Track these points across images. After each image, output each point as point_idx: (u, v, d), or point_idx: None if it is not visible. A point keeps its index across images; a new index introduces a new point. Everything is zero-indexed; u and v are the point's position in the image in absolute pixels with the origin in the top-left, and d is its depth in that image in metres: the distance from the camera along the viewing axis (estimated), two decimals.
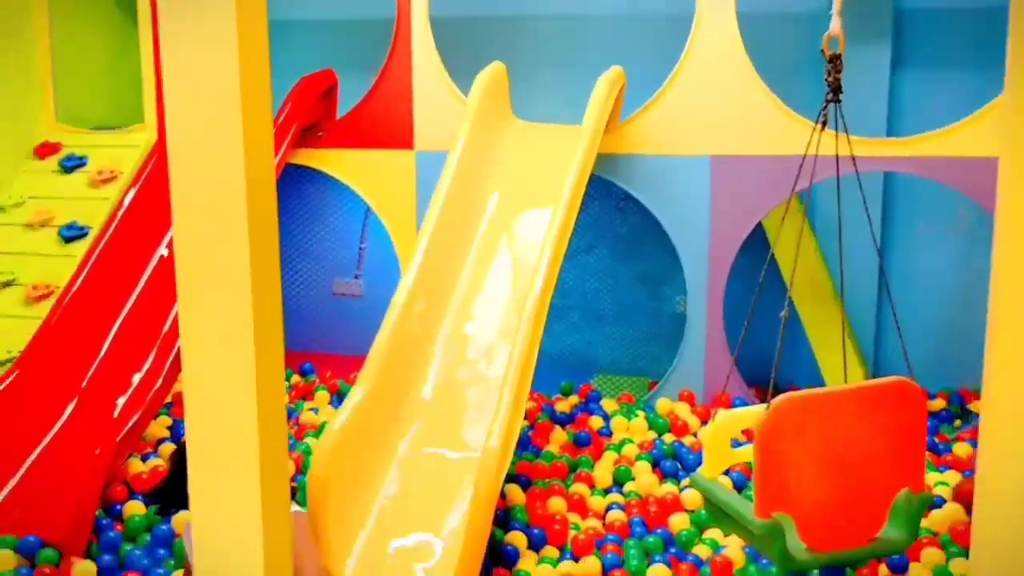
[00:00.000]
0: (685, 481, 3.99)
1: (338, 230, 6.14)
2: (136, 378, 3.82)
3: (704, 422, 4.54)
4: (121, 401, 3.75)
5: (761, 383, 5.34)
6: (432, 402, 3.78)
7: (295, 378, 5.25)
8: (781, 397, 2.86)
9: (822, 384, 5.19)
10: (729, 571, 3.35)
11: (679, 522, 3.67)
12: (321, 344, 6.08)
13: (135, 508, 3.63)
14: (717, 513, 3.13)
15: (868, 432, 2.94)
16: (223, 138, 1.69)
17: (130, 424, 3.71)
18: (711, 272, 4.85)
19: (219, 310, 1.78)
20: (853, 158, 3.18)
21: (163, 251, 4.50)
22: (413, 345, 3.92)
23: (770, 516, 2.86)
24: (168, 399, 4.75)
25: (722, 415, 3.19)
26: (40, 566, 3.31)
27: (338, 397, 4.95)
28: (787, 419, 2.85)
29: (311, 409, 4.74)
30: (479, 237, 4.36)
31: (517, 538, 3.43)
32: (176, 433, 4.31)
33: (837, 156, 3.14)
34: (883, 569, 3.36)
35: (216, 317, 1.79)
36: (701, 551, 3.53)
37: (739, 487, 3.92)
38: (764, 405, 3.27)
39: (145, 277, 4.38)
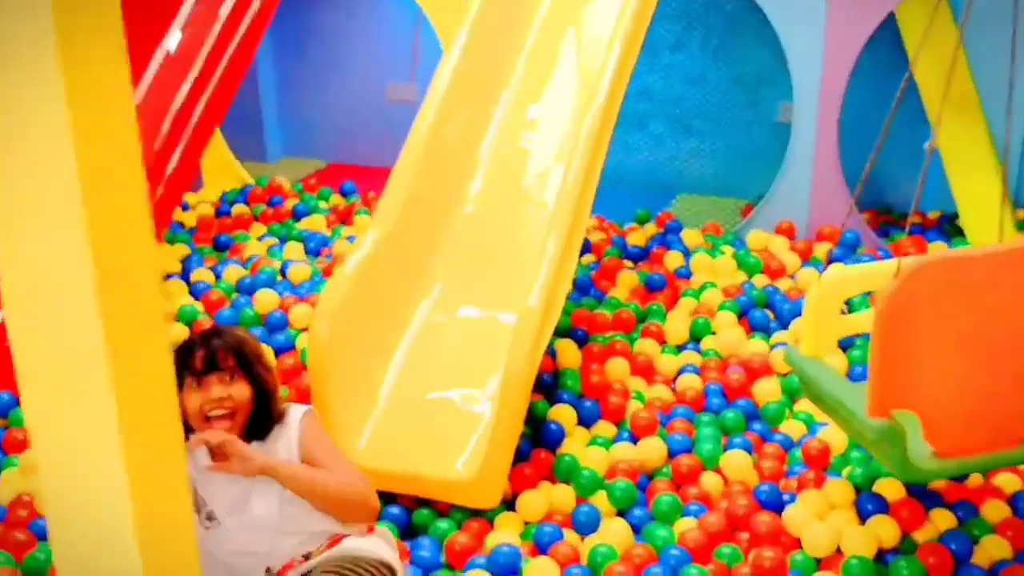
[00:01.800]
0: (777, 336, 3.29)
1: (389, 26, 5.34)
2: None
3: (805, 261, 3.78)
4: None
5: (874, 206, 4.50)
6: (468, 242, 3.12)
7: (335, 198, 4.63)
8: (917, 260, 2.09)
9: (952, 210, 4.31)
10: (825, 459, 2.70)
11: (767, 391, 3.00)
12: (375, 157, 5.42)
13: None
14: (819, 402, 2.45)
15: None
16: None
17: None
18: (826, 73, 3.95)
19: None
20: None
21: (170, 46, 3.82)
22: (447, 166, 3.22)
23: (888, 415, 2.17)
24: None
25: (832, 272, 2.44)
26: (12, 428, 2.87)
27: None
28: (923, 289, 2.10)
29: (348, 237, 4.13)
30: (533, 30, 3.55)
31: (564, 413, 2.82)
32: (187, 267, 3.76)
33: None
34: None
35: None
36: (792, 429, 2.87)
37: (843, 346, 3.20)
38: (892, 261, 2.51)
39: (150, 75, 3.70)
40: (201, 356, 1.96)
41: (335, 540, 2.02)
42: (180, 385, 1.95)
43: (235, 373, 1.97)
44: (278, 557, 2.00)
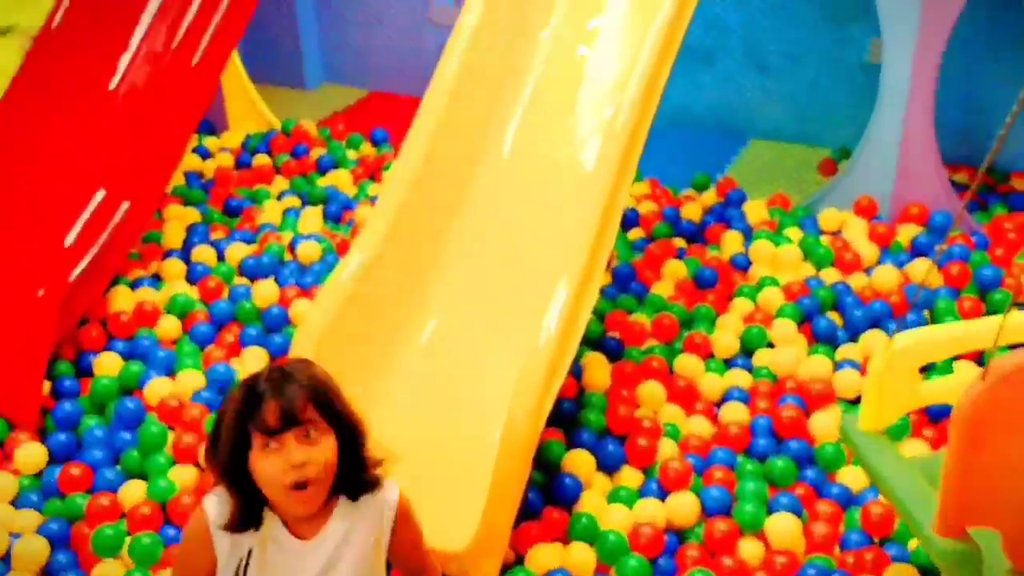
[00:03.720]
0: (844, 349, 2.83)
1: None
2: (98, 195, 2.88)
3: (884, 248, 3.27)
4: (79, 223, 2.83)
5: (963, 161, 3.88)
6: (480, 247, 2.71)
7: (364, 147, 4.22)
8: (1010, 360, 1.63)
9: None
10: (888, 526, 2.29)
11: (824, 428, 2.57)
12: (412, 86, 4.98)
13: (108, 363, 2.84)
14: (880, 489, 2.03)
15: None
16: None
17: (90, 255, 2.83)
18: (926, 5, 3.30)
19: None
20: None
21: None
22: (460, 146, 2.80)
23: (963, 533, 1.75)
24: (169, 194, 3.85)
25: (904, 339, 1.98)
26: None
27: None
28: (1016, 394, 1.65)
29: (373, 198, 3.74)
30: None
31: (580, 461, 2.44)
32: (189, 242, 3.43)
33: None
34: None
35: None
36: (851, 478, 2.46)
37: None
38: (982, 325, 2.05)
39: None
40: (275, 409, 1.52)
41: None
42: (243, 443, 1.54)
43: (317, 425, 1.54)
44: None
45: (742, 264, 3.20)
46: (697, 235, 3.40)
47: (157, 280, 3.20)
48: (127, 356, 2.87)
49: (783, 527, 2.29)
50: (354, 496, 1.62)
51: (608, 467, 2.47)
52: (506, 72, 2.96)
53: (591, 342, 2.84)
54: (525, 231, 2.75)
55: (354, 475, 1.60)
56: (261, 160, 4.04)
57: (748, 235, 3.34)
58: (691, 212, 3.50)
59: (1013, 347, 1.77)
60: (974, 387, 1.63)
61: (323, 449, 1.54)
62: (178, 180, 3.85)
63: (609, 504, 2.36)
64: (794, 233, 3.30)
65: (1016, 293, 2.81)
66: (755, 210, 3.50)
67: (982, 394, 1.62)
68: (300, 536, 1.63)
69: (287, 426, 1.52)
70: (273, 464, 1.53)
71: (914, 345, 1.97)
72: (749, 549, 2.27)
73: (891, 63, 3.39)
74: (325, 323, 2.37)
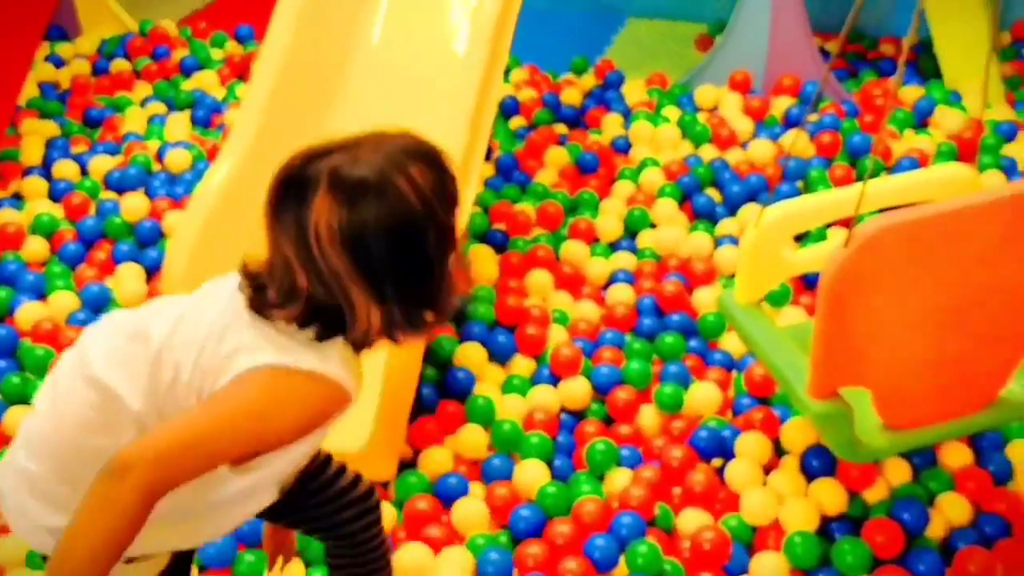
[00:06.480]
0: (723, 225, 2.89)
1: None
2: None
3: (759, 121, 3.31)
4: None
5: (833, 29, 3.90)
6: None
7: (230, 45, 4.02)
8: (871, 227, 1.68)
9: (929, 34, 3.69)
10: (770, 386, 2.38)
11: (705, 300, 2.64)
12: None
13: None
14: (759, 358, 2.11)
15: (1007, 258, 1.80)
16: None
17: None
18: None
19: None
20: None
21: None
22: (333, 23, 2.72)
23: (834, 394, 1.83)
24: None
25: (774, 212, 2.02)
26: None
27: None
28: (878, 258, 1.71)
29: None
30: None
31: (471, 354, 2.45)
32: (49, 157, 3.24)
33: None
34: None
35: None
36: (733, 345, 2.53)
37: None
38: (848, 191, 2.11)
39: None
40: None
41: None
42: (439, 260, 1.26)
43: None
44: None
45: (623, 147, 3.21)
46: (578, 120, 3.39)
47: (18, 200, 3.05)
48: None
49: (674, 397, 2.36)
50: None
51: (500, 358, 2.49)
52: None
53: (477, 235, 2.83)
54: (398, 124, 2.68)
55: None
56: (120, 65, 3.82)
57: (628, 116, 3.34)
58: (571, 97, 3.47)
59: (883, 211, 1.82)
60: (839, 254, 1.68)
61: None
62: (32, 92, 3.63)
63: (503, 394, 2.39)
64: (672, 112, 3.32)
65: (884, 158, 2.90)
66: (634, 91, 3.50)
67: (846, 260, 1.68)
68: None
69: None
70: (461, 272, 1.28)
71: (782, 216, 2.02)
72: (645, 419, 2.33)
73: None
74: (197, 233, 2.29)
